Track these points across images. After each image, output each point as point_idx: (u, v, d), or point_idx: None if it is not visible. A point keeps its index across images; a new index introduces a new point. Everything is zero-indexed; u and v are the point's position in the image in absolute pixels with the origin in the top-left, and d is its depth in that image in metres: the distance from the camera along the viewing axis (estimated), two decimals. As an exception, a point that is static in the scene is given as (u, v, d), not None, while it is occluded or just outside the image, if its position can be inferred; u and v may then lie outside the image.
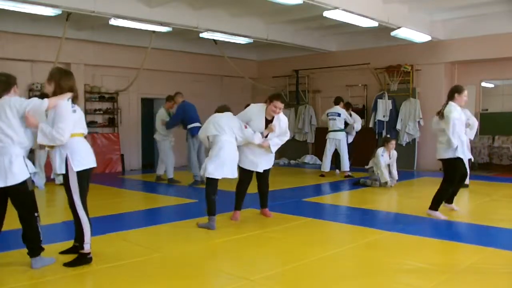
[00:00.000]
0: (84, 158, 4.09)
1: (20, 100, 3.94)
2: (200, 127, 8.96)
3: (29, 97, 9.93)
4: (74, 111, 4.06)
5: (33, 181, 4.15)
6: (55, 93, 4.06)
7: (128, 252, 4.56)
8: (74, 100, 4.11)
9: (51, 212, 6.35)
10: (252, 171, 5.97)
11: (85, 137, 4.29)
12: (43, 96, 7.88)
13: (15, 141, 3.90)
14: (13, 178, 3.88)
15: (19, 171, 3.90)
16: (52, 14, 8.36)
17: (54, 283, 3.72)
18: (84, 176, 4.11)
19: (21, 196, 3.99)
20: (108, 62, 11.64)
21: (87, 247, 4.10)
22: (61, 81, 4.06)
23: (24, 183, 3.95)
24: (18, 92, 4.13)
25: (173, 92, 9.65)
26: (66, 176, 4.06)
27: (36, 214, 4.05)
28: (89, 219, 4.13)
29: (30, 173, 4.02)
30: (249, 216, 6.10)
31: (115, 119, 12.02)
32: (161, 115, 9.64)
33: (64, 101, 4.00)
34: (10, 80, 4.07)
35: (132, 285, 3.70)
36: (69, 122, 3.97)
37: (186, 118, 9.15)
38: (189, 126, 9.12)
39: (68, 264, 4.06)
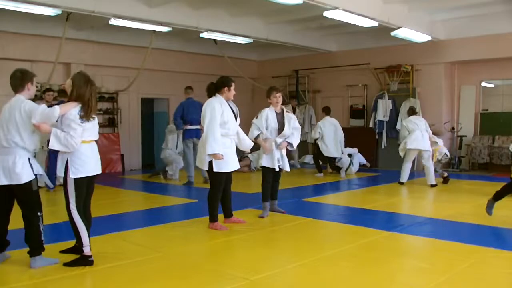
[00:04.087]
0: (83, 166, 4.07)
1: (30, 106, 3.94)
2: (198, 129, 9.06)
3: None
4: (82, 121, 4.01)
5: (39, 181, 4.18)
6: (71, 97, 4.09)
7: (128, 252, 4.56)
8: (86, 113, 4.03)
9: (52, 212, 6.34)
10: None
11: (96, 140, 4.29)
12: (46, 91, 8.05)
13: (19, 145, 3.95)
14: (17, 178, 3.93)
15: (22, 172, 3.94)
16: (52, 14, 8.36)
17: (54, 283, 3.72)
18: (82, 183, 4.10)
19: (25, 195, 4.02)
20: (108, 62, 11.63)
21: (87, 250, 4.10)
22: (73, 83, 4.08)
23: (28, 183, 3.97)
24: (33, 89, 4.13)
25: (176, 92, 9.64)
26: (64, 180, 4.09)
27: (39, 214, 4.07)
28: (84, 222, 4.11)
29: (36, 174, 4.04)
30: (248, 216, 6.10)
31: (115, 119, 12.01)
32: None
33: (72, 112, 3.98)
34: (24, 77, 4.08)
35: (132, 285, 3.70)
36: (77, 130, 3.98)
37: (184, 118, 9.13)
38: (186, 127, 9.15)
39: (68, 264, 4.07)
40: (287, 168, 6.20)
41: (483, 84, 11.69)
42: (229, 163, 5.51)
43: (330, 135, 10.51)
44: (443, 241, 4.96)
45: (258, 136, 6.07)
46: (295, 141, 6.24)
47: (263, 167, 6.16)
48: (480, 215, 6.06)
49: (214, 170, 5.42)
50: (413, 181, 9.85)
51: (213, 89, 5.59)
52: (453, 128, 11.71)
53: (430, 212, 6.59)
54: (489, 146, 11.11)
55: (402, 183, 9.12)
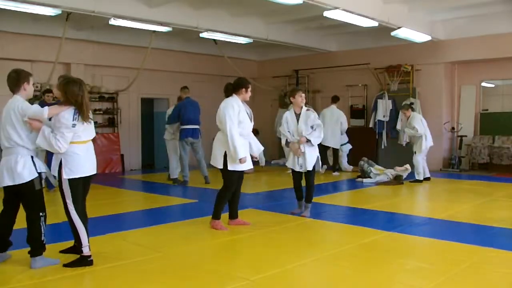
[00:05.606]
0: (77, 167, 4.05)
1: (23, 106, 3.96)
2: (194, 129, 9.09)
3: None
4: (74, 125, 3.97)
5: (43, 181, 4.18)
6: (63, 102, 4.07)
7: (128, 252, 4.56)
8: (83, 114, 4.01)
9: (52, 212, 6.33)
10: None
11: (93, 139, 4.27)
12: (45, 92, 8.04)
13: (20, 144, 3.97)
14: (20, 177, 3.94)
15: (24, 171, 3.95)
16: (52, 14, 8.36)
17: (54, 283, 3.73)
18: (77, 184, 4.09)
19: (28, 195, 4.03)
20: (108, 62, 11.63)
21: (86, 250, 4.09)
22: (65, 90, 4.05)
23: (31, 182, 3.98)
24: (30, 89, 4.14)
25: (176, 92, 9.59)
26: (59, 180, 4.09)
27: (41, 214, 4.07)
28: (84, 222, 4.11)
29: (39, 173, 4.04)
30: (249, 216, 6.09)
31: (115, 119, 12.01)
32: (170, 113, 9.63)
33: (65, 114, 3.97)
34: (19, 76, 4.09)
35: (132, 285, 3.70)
36: (65, 135, 3.94)
37: (181, 118, 9.07)
38: (182, 127, 9.07)
39: (68, 265, 4.07)
40: (309, 167, 6.11)
41: (483, 84, 11.68)
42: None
43: (329, 124, 10.64)
44: (443, 241, 4.96)
45: (286, 142, 6.21)
46: (315, 138, 6.10)
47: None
48: (480, 215, 6.06)
49: (229, 168, 5.43)
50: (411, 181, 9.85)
51: (231, 89, 5.61)
52: (453, 128, 11.71)
53: (430, 212, 6.59)
54: (489, 146, 11.11)
55: (421, 181, 9.12)
